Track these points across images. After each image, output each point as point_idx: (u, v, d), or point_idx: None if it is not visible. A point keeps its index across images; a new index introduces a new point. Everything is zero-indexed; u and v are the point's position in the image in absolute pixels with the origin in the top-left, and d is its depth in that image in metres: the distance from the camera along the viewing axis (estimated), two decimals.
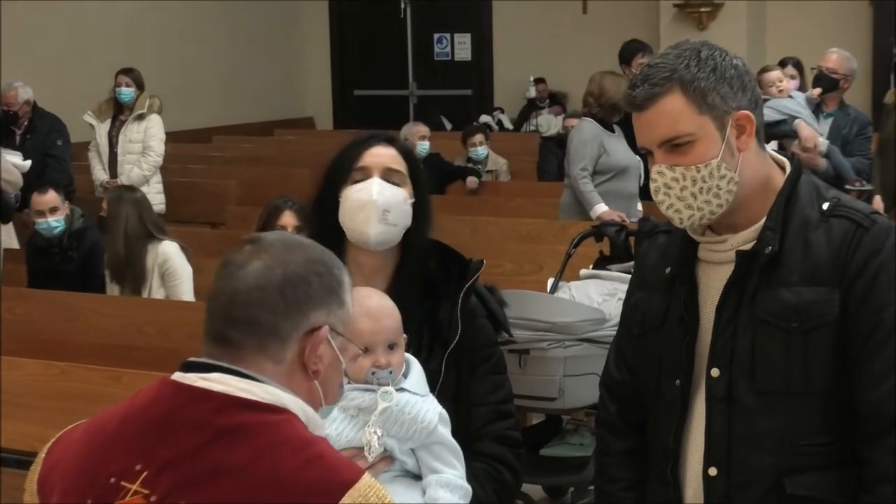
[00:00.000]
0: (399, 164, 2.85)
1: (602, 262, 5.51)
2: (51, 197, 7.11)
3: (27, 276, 7.15)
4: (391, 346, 2.67)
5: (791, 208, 2.54)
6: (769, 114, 7.84)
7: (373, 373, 2.64)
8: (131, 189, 6.92)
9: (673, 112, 2.48)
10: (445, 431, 2.68)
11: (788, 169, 2.61)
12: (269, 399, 1.95)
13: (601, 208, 7.51)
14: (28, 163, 8.38)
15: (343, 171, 2.86)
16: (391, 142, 2.88)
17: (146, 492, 1.91)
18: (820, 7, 12.81)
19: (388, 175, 2.83)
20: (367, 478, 1.92)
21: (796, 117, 7.72)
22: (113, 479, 1.94)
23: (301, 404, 1.99)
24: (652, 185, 2.55)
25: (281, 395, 1.96)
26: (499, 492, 2.86)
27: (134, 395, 2.03)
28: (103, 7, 12.13)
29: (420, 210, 2.88)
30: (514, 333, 4.64)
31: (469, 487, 2.71)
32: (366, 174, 2.83)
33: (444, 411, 2.69)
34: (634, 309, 2.76)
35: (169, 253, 6.60)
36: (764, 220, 2.54)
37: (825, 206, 2.54)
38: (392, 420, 2.62)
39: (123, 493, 1.92)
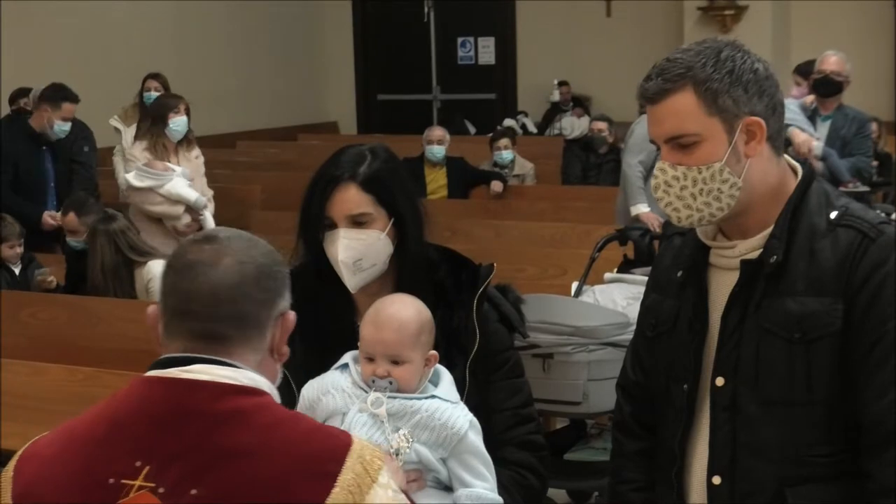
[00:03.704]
0: (362, 203, 2.78)
1: (626, 266, 5.49)
2: (69, 220, 7.15)
3: (65, 278, 7.16)
4: (395, 362, 2.63)
5: (799, 216, 2.50)
6: None
7: (373, 381, 2.63)
8: (108, 219, 6.75)
9: (681, 110, 2.45)
10: (476, 440, 2.66)
11: (800, 175, 2.58)
12: (250, 383, 2.03)
13: (643, 208, 7.47)
14: (203, 200, 7.96)
15: (315, 220, 2.82)
16: (352, 178, 2.79)
17: (152, 485, 1.95)
18: (844, 8, 12.76)
19: (354, 220, 2.78)
20: (356, 438, 2.05)
21: (790, 125, 7.69)
22: (112, 480, 1.97)
23: (270, 385, 2.09)
24: (652, 182, 2.54)
25: (257, 379, 2.05)
26: (526, 498, 2.84)
27: (112, 398, 2.07)
28: (126, 13, 12.17)
29: (405, 223, 2.83)
30: (537, 338, 4.65)
31: (500, 499, 2.69)
32: (333, 224, 2.80)
33: (474, 419, 2.66)
34: (648, 311, 2.75)
35: (154, 273, 6.44)
36: (772, 227, 2.51)
37: (833, 214, 2.50)
38: (422, 426, 2.60)
39: (126, 490, 1.96)
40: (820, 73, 7.92)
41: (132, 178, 7.77)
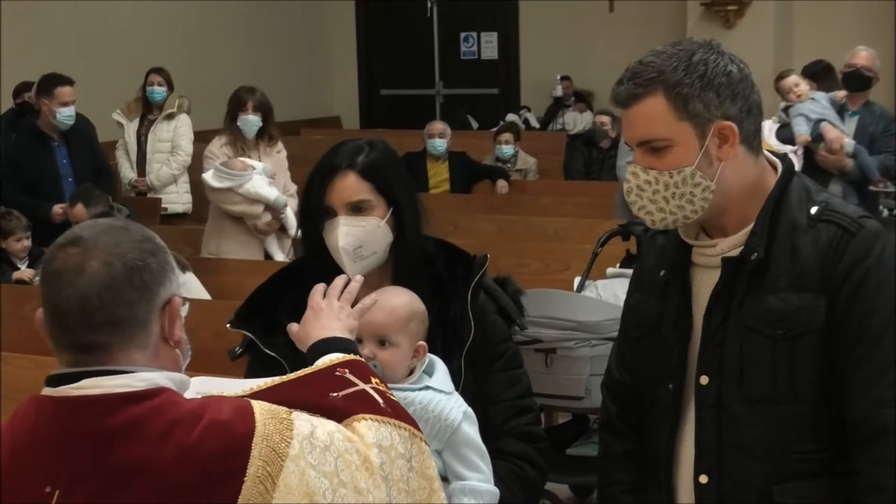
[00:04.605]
0: (361, 190, 2.80)
1: (629, 261, 5.49)
2: (77, 211, 7.18)
3: None
4: (382, 342, 2.65)
5: (779, 213, 2.50)
6: (796, 119, 7.80)
7: None
8: (102, 217, 6.72)
9: (652, 115, 2.45)
10: (470, 430, 2.65)
11: (779, 171, 2.57)
12: (144, 385, 1.98)
13: None
14: (283, 199, 7.61)
15: (315, 210, 2.84)
16: (350, 167, 2.82)
17: None
18: (847, 5, 12.74)
19: (353, 207, 2.80)
20: (260, 420, 1.99)
21: (822, 120, 7.67)
22: None
23: (167, 374, 2.04)
24: (625, 186, 2.54)
25: (151, 377, 2.00)
26: (524, 490, 2.83)
27: (10, 422, 2.03)
28: (129, 7, 12.16)
29: (403, 213, 2.84)
30: (540, 333, 4.65)
31: (496, 490, 2.68)
32: (333, 213, 2.81)
33: (469, 409, 2.66)
34: (632, 311, 2.75)
35: None
36: (752, 224, 2.50)
37: (813, 210, 2.50)
38: (416, 418, 2.59)
39: None
40: (850, 67, 7.83)
41: (210, 178, 7.55)
